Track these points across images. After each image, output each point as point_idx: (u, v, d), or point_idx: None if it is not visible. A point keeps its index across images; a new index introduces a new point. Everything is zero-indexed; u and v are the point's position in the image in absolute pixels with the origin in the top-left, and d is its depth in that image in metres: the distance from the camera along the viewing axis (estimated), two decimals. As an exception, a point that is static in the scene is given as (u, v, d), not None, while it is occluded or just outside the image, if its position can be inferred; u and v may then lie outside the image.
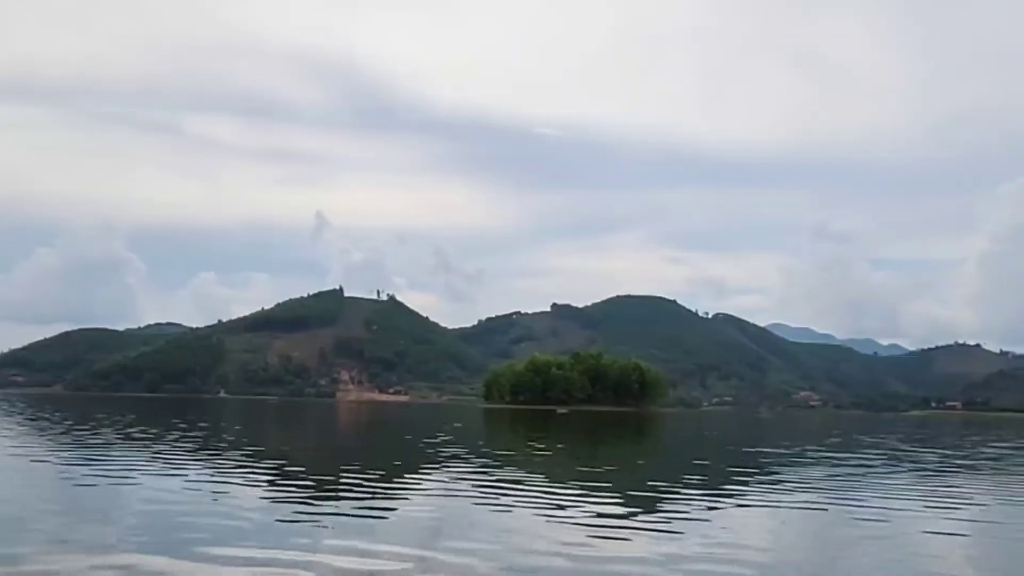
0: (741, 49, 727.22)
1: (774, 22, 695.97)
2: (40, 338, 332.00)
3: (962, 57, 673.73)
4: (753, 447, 30.83)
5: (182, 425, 34.83)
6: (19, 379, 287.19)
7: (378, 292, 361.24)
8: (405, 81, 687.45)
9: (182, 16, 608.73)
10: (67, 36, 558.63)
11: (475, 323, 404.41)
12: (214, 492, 12.27)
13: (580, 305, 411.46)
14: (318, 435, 34.77)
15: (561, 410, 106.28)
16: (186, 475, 14.60)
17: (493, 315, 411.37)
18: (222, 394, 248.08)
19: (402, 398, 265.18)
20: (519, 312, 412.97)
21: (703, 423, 65.12)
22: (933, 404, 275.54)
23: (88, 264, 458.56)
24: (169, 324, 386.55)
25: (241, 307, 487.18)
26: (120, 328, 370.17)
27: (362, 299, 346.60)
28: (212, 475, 14.78)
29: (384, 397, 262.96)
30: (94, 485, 12.79)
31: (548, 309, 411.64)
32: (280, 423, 46.09)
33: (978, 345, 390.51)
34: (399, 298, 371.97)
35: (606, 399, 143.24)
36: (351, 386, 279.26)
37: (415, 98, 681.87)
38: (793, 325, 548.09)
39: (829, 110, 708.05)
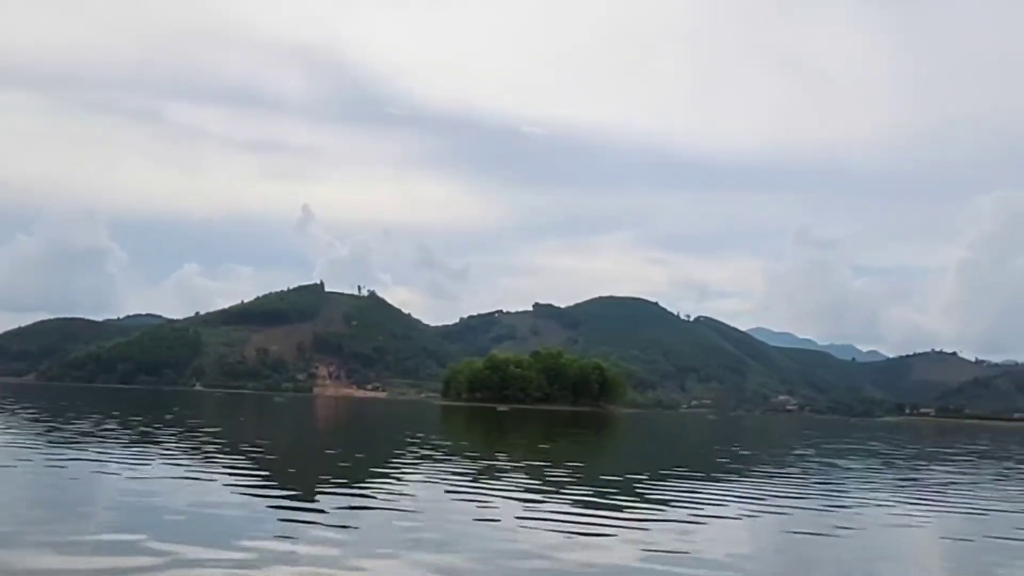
0: (729, 53, 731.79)
1: (762, 27, 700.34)
2: (17, 326, 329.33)
3: (948, 67, 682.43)
4: (698, 450, 30.82)
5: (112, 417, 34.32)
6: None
7: (359, 288, 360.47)
8: (394, 76, 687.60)
9: (170, 4, 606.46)
10: (53, 22, 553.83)
11: (456, 321, 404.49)
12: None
13: (562, 305, 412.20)
14: (245, 433, 34.31)
15: (501, 408, 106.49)
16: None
17: (475, 313, 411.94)
18: (198, 387, 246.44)
19: (380, 394, 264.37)
20: (501, 311, 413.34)
21: (659, 425, 65.13)
22: (907, 411, 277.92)
23: (69, 252, 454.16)
24: (149, 315, 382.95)
25: (224, 300, 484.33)
26: (100, 319, 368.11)
27: (343, 294, 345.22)
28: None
29: (361, 393, 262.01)
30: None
31: (530, 308, 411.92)
32: (214, 419, 45.58)
33: (955, 353, 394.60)
34: (382, 294, 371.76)
35: (564, 398, 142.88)
36: (328, 381, 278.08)
37: (404, 93, 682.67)
38: (774, 329, 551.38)
39: (814, 116, 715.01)
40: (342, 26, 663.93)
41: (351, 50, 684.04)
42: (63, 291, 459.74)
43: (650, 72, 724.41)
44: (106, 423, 28.63)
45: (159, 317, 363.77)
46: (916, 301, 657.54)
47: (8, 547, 7.25)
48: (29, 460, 14.91)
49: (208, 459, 16.89)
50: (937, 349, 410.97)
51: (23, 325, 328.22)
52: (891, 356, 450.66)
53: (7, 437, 20.40)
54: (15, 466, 13.85)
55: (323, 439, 29.00)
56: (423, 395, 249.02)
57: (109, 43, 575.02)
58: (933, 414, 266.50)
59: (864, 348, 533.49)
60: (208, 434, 25.53)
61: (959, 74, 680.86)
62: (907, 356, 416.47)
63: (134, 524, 8.66)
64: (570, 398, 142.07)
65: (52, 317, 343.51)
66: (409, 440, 27.54)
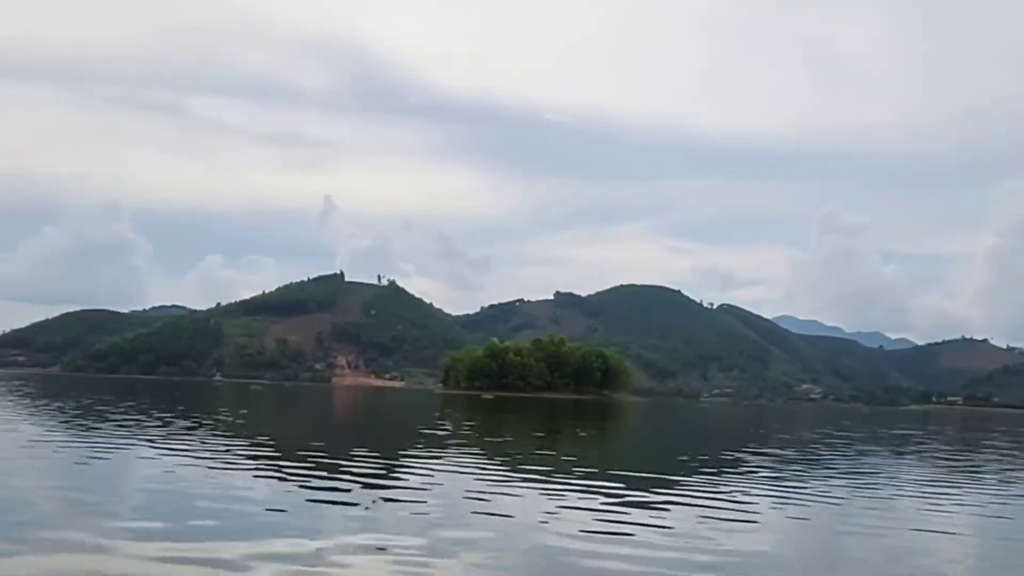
0: (750, 39, 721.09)
1: (784, 10, 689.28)
2: (43, 319, 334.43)
3: (974, 50, 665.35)
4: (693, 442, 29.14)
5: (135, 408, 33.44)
6: (20, 359, 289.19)
7: (379, 277, 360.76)
8: (414, 66, 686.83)
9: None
10: (74, 17, 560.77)
11: (477, 310, 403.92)
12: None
13: (583, 294, 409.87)
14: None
15: (486, 395, 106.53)
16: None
17: (495, 302, 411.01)
18: (218, 377, 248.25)
19: (397, 384, 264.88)
20: (522, 300, 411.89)
21: (660, 414, 63.28)
22: (934, 399, 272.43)
23: (94, 245, 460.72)
24: (174, 307, 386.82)
25: (247, 291, 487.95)
26: (125, 310, 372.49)
27: (362, 284, 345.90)
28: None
29: (380, 382, 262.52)
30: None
31: (551, 297, 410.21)
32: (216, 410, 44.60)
33: (985, 340, 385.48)
34: (405, 284, 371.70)
35: (566, 386, 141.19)
36: (347, 371, 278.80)
37: (424, 83, 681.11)
38: (801, 318, 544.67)
39: (839, 101, 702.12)
40: (361, 17, 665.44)
41: (370, 41, 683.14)
42: (89, 283, 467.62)
43: (672, 58, 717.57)
44: (115, 412, 29.00)
45: (183, 308, 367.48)
46: (945, 288, 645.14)
47: (44, 534, 7.29)
48: (48, 448, 15.30)
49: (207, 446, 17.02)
50: (967, 336, 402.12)
51: (49, 317, 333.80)
52: (920, 344, 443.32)
53: (31, 428, 20.77)
54: (35, 455, 14.08)
55: (293, 430, 27.68)
56: (437, 384, 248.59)
57: (131, 38, 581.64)
58: (961, 403, 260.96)
59: (893, 336, 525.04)
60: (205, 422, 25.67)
61: (986, 57, 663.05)
62: (935, 344, 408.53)
63: (162, 512, 8.76)
64: (572, 386, 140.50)
65: (78, 309, 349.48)
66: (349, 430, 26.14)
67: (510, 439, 24.96)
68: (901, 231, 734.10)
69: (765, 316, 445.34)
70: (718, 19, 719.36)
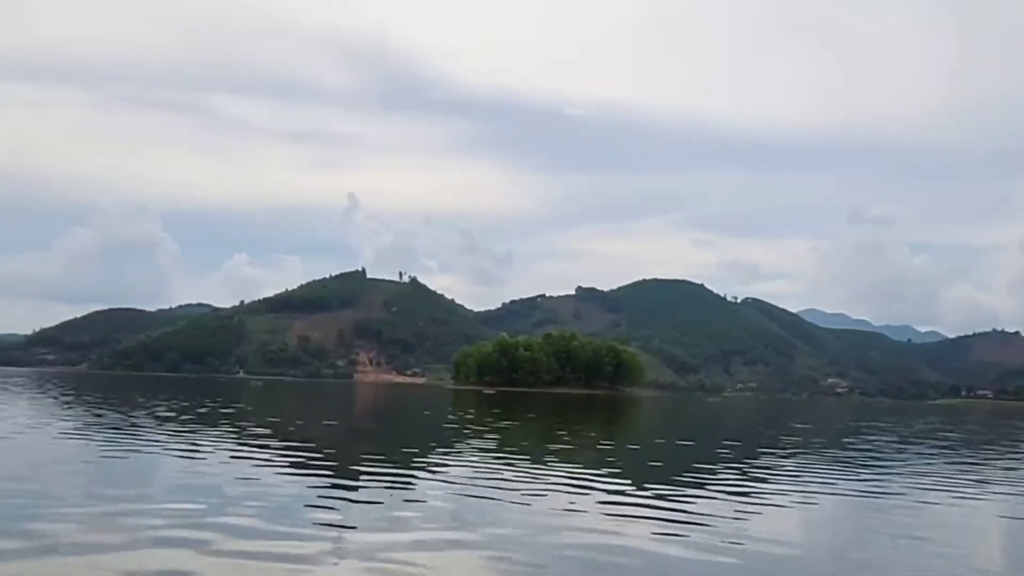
0: (774, 28, 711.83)
1: (809, 0, 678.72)
2: (72, 317, 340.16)
3: (1003, 37, 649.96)
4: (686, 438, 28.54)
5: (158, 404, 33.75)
6: (49, 357, 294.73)
7: (400, 274, 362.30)
8: (435, 61, 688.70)
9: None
10: (100, 18, 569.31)
11: (499, 306, 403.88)
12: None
13: (605, 289, 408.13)
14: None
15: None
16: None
17: (517, 298, 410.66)
18: (241, 374, 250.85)
19: (418, 380, 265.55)
20: (543, 295, 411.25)
21: (661, 409, 62.46)
22: (963, 392, 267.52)
23: (123, 244, 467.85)
24: (200, 305, 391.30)
25: (272, 289, 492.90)
26: (152, 309, 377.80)
27: (383, 281, 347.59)
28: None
29: (400, 379, 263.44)
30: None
31: (573, 292, 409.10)
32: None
33: (1017, 332, 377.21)
34: (428, 280, 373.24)
35: (577, 381, 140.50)
36: (368, 367, 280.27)
37: (445, 79, 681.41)
38: (827, 311, 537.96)
39: (864, 90, 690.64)
40: (383, 13, 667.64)
41: (392, 38, 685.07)
42: (117, 282, 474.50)
43: (694, 50, 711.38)
44: (135, 409, 29.58)
45: (209, 307, 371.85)
46: (976, 279, 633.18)
47: (74, 529, 7.36)
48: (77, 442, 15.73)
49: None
50: (999, 329, 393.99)
51: (78, 316, 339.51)
52: (951, 337, 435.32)
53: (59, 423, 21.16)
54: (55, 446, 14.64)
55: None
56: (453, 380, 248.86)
57: (156, 39, 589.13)
58: (991, 396, 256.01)
59: (922, 329, 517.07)
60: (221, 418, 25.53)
61: (1017, 45, 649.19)
62: (966, 336, 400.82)
63: (193, 505, 8.81)
64: (583, 381, 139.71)
65: (106, 308, 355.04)
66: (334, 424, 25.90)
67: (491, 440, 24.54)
68: (931, 222, 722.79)
69: (791, 310, 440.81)
70: (741, 9, 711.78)
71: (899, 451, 23.21)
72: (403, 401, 57.90)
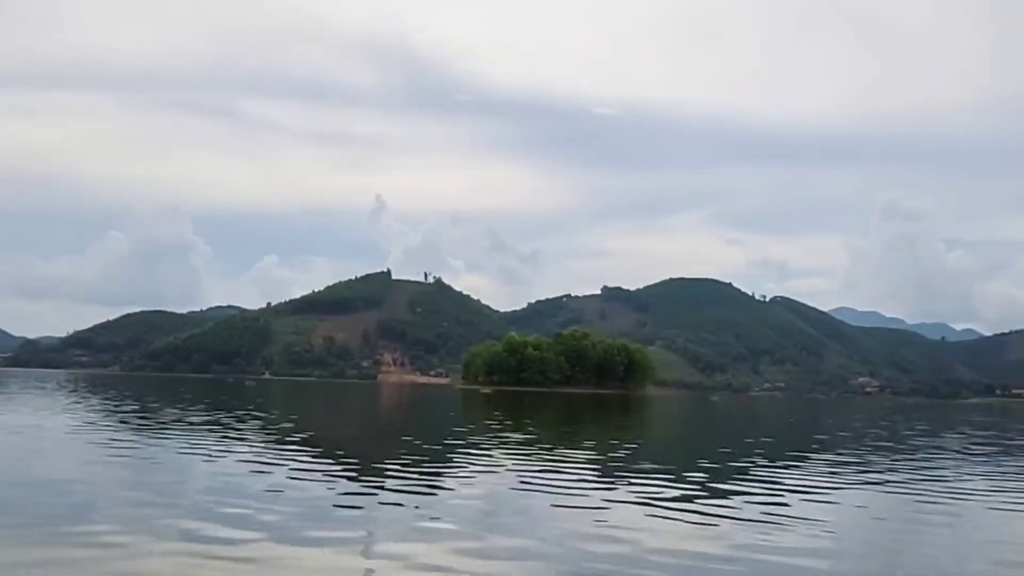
0: (802, 22, 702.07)
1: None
2: (106, 320, 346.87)
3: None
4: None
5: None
6: (83, 359, 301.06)
7: (425, 275, 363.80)
8: (461, 62, 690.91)
9: (240, 2, 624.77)
10: (131, 25, 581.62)
11: (524, 306, 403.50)
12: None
13: (631, 288, 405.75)
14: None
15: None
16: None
17: (544, 298, 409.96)
18: (266, 375, 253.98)
19: (442, 380, 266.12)
20: (569, 295, 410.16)
21: (680, 410, 61.79)
22: (998, 392, 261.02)
23: (157, 247, 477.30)
24: (230, 307, 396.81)
25: (301, 291, 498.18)
26: (184, 311, 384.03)
27: (408, 282, 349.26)
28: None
29: (424, 379, 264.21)
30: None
31: (599, 292, 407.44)
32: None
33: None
34: (455, 281, 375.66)
35: (587, 381, 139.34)
36: (392, 368, 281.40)
37: (471, 79, 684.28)
38: (860, 309, 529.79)
39: (896, 83, 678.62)
40: (409, 15, 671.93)
41: (418, 39, 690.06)
42: (151, 285, 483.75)
43: (721, 45, 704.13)
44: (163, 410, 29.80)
45: (239, 308, 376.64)
46: (1014, 275, 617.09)
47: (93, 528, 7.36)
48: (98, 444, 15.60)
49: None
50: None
51: (111, 319, 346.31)
52: (988, 335, 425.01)
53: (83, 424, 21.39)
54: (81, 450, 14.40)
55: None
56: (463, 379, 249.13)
57: (186, 44, 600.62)
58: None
59: (958, 327, 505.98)
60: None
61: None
62: (1003, 334, 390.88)
63: (215, 509, 8.61)
64: (593, 380, 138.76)
65: (140, 310, 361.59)
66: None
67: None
68: (966, 216, 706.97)
69: (822, 308, 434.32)
70: (768, 4, 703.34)
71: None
72: (403, 402, 57.95)
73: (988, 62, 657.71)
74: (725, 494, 11.14)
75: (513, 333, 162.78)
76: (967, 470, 16.50)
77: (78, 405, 30.49)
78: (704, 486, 12.05)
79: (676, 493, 11.05)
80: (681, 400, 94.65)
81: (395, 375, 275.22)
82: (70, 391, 45.98)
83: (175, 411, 28.01)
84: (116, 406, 30.91)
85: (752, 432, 31.15)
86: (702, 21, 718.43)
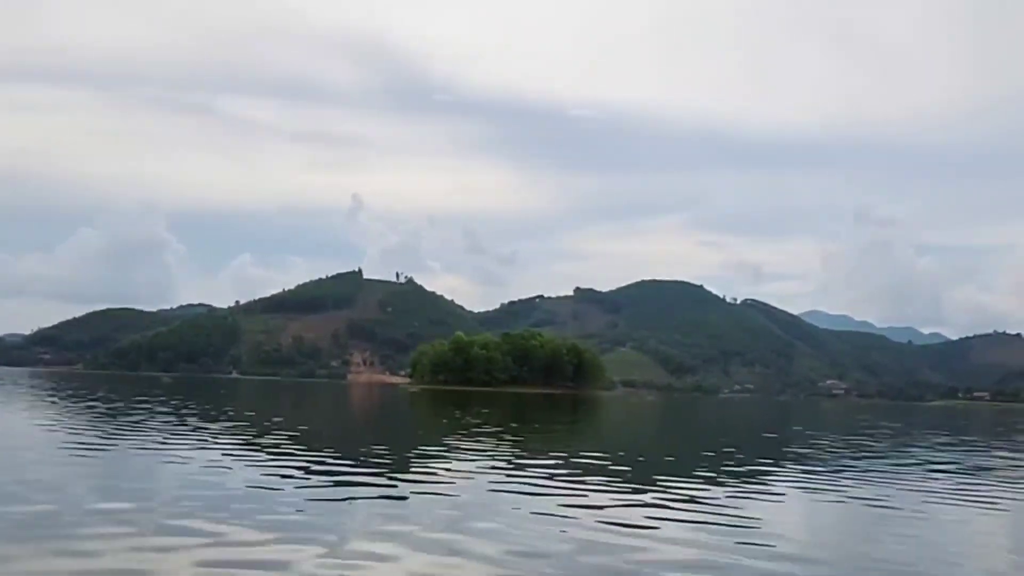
0: (781, 28, 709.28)
1: (816, 1, 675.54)
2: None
3: (1010, 36, 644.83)
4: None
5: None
6: (46, 357, 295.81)
7: (397, 274, 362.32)
8: (441, 63, 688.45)
9: (220, 0, 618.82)
10: (107, 20, 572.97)
11: (498, 307, 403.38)
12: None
13: (604, 289, 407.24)
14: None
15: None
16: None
17: (516, 299, 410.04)
18: (234, 374, 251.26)
19: (410, 380, 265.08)
20: (541, 296, 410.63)
21: (620, 411, 61.53)
22: (960, 394, 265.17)
23: (129, 245, 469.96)
24: (200, 305, 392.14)
25: (275, 290, 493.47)
26: (153, 309, 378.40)
27: (380, 281, 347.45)
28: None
29: (395, 379, 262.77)
30: None
31: (571, 293, 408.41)
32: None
33: (1019, 334, 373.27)
34: (432, 281, 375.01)
35: (535, 380, 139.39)
36: (362, 368, 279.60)
37: (451, 80, 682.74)
38: (831, 312, 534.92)
39: (872, 91, 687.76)
40: (390, 15, 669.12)
41: (398, 39, 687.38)
42: (123, 283, 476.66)
43: (699, 50, 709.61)
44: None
45: (209, 307, 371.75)
46: (983, 281, 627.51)
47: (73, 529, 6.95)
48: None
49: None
50: (1002, 331, 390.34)
51: (77, 316, 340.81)
52: (953, 339, 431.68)
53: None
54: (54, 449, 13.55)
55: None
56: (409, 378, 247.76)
57: (164, 41, 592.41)
58: (988, 398, 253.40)
59: (926, 331, 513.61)
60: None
61: (1021, 44, 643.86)
62: (968, 338, 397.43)
63: (191, 506, 8.25)
64: (541, 381, 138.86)
65: (109, 308, 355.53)
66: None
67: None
68: (938, 223, 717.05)
69: (793, 311, 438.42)
70: (747, 9, 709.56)
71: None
72: (355, 402, 57.27)
73: (963, 72, 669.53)
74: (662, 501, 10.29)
75: (460, 332, 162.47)
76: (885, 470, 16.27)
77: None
78: (654, 490, 11.39)
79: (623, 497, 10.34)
80: (618, 400, 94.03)
81: (364, 375, 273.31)
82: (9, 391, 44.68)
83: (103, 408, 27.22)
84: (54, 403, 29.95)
85: (682, 432, 30.98)
86: (681, 25, 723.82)
